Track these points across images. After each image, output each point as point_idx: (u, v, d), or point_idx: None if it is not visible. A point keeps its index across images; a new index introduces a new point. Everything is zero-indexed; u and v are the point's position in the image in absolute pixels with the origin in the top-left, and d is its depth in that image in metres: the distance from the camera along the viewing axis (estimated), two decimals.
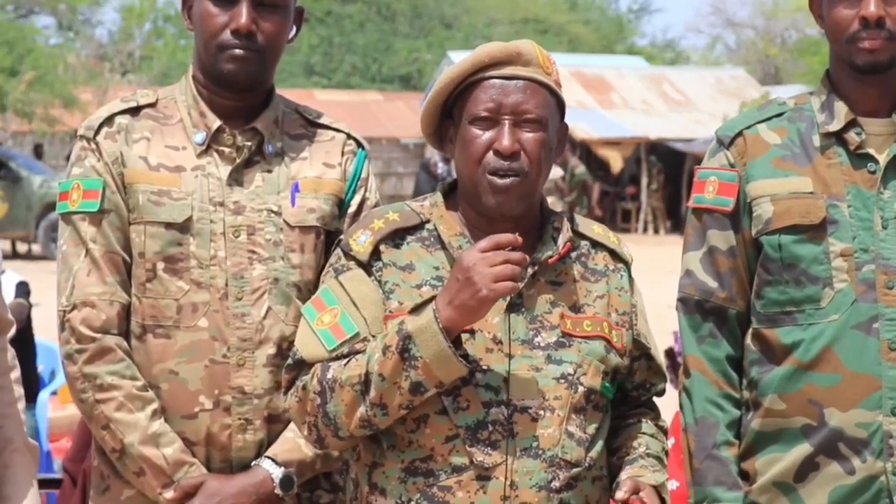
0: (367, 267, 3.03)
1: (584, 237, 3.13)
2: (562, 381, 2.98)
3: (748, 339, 3.24)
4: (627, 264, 3.17)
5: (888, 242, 3.16)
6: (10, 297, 7.53)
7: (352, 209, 3.38)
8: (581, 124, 31.51)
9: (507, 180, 2.97)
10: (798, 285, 3.17)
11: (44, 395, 7.58)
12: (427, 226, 3.07)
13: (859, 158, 3.21)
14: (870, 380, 3.12)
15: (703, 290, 3.26)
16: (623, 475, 3.02)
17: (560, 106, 3.08)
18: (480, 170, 2.98)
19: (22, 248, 25.00)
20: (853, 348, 3.13)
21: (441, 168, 21.14)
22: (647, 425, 3.16)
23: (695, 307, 3.26)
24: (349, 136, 3.43)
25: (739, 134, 3.27)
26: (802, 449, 3.16)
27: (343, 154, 3.40)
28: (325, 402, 2.95)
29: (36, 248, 24.86)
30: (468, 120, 3.01)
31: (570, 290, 3.06)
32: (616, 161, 33.25)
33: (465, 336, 2.93)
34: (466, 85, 3.03)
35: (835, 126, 3.22)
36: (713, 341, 3.25)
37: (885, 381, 3.12)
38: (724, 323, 3.25)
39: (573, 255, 3.10)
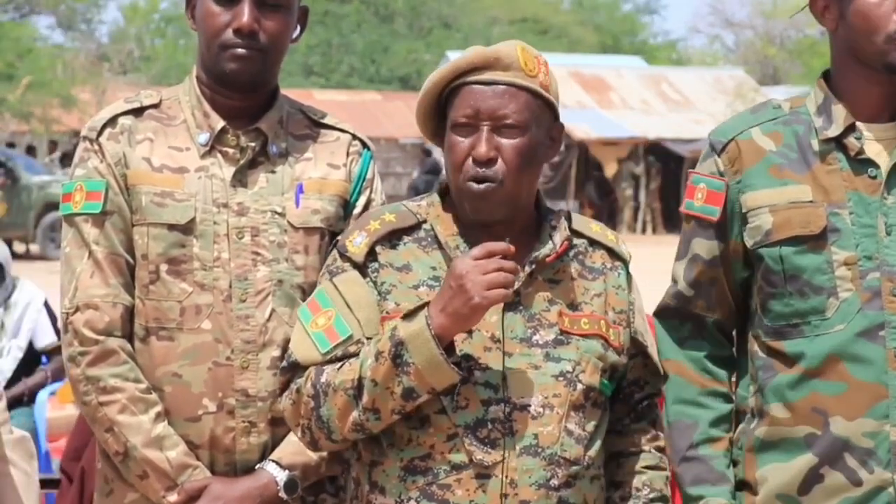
0: (362, 268, 3.03)
1: (581, 235, 3.13)
2: (561, 378, 2.99)
3: (755, 347, 3.19)
4: (625, 262, 3.16)
5: (893, 249, 3.09)
6: (40, 323, 7.21)
7: (357, 210, 3.35)
8: (580, 124, 31.53)
9: (483, 186, 2.98)
10: (802, 297, 3.11)
11: (42, 396, 7.54)
12: (424, 226, 3.07)
13: (859, 164, 3.12)
14: (876, 388, 3.06)
15: (681, 299, 3.23)
16: None
17: (550, 107, 3.05)
18: (461, 176, 2.99)
19: (20, 248, 24.99)
20: (859, 357, 3.07)
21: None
22: (649, 455, 3.14)
23: (673, 313, 3.24)
24: (354, 137, 3.41)
25: (731, 140, 3.19)
26: (806, 459, 3.10)
27: (348, 155, 3.38)
28: (319, 406, 2.96)
29: (34, 248, 24.85)
30: (450, 126, 3.02)
31: (567, 287, 3.06)
32: (610, 164, 33.27)
33: (462, 335, 2.94)
34: (453, 89, 3.03)
35: (834, 131, 3.13)
36: (693, 342, 3.22)
37: (892, 390, 3.06)
38: (703, 328, 3.23)
39: (570, 253, 3.09)
